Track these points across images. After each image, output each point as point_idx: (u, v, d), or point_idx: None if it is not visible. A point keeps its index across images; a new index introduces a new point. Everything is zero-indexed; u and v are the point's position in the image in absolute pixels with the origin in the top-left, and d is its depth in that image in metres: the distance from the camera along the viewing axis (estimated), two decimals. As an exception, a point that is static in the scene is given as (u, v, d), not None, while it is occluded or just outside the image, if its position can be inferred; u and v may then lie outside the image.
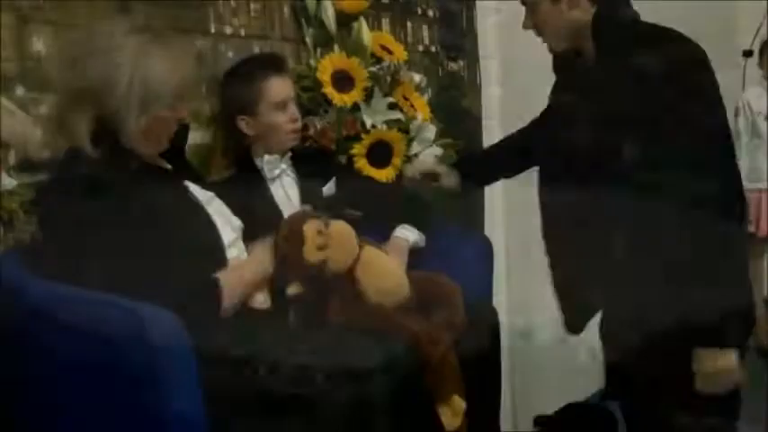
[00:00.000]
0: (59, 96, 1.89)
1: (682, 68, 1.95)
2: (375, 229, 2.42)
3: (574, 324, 2.33)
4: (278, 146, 2.40)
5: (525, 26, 2.20)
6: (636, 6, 2.14)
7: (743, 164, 4.61)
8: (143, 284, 1.70)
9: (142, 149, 1.91)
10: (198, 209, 1.98)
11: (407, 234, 2.40)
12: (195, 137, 2.27)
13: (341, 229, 2.04)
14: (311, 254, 1.97)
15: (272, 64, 2.39)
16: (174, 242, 1.86)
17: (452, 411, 2.00)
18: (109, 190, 1.80)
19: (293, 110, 2.39)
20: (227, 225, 2.03)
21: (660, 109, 1.92)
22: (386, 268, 2.12)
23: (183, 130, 2.06)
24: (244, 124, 2.39)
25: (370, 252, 2.10)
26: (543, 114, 2.35)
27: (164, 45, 1.89)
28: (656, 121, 1.92)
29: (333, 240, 2.00)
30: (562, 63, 2.21)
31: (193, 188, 2.02)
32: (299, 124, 2.40)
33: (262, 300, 1.98)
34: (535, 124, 2.41)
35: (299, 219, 2.04)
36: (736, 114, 4.65)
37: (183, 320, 1.67)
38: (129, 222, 1.80)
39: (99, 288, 1.72)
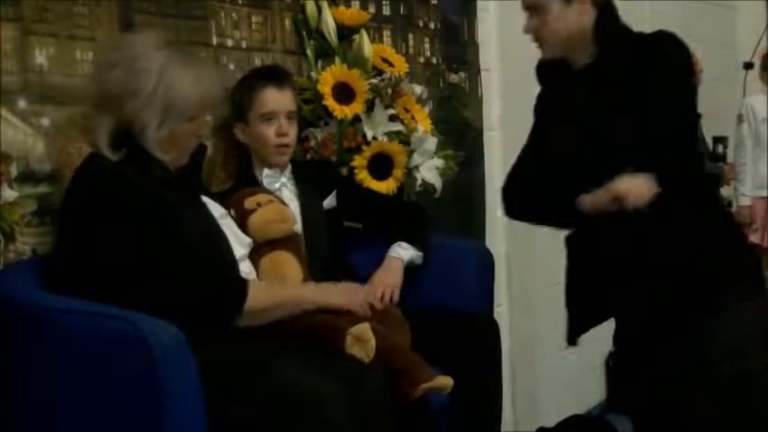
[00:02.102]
0: (86, 101, 1.94)
1: (667, 65, 2.08)
2: (374, 247, 2.43)
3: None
4: (267, 158, 2.41)
5: (526, 30, 2.22)
6: (641, 20, 2.20)
7: (747, 171, 4.60)
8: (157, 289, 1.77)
9: (162, 158, 1.96)
10: (214, 221, 2.01)
11: (402, 253, 2.40)
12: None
13: (281, 208, 2.28)
14: (250, 202, 2.23)
15: (272, 76, 2.40)
16: (193, 247, 1.90)
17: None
18: (128, 189, 1.87)
19: (283, 124, 2.38)
20: (237, 241, 2.07)
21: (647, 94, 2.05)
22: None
23: (201, 150, 2.11)
24: (239, 131, 2.42)
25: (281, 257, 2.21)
26: (544, 134, 2.30)
27: (190, 60, 1.98)
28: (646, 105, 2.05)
29: (268, 207, 2.23)
30: (551, 72, 2.22)
31: (208, 202, 2.06)
32: (286, 140, 2.38)
33: None
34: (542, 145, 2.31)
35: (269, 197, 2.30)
36: (741, 121, 4.63)
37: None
38: (146, 222, 1.85)
39: (106, 294, 1.75)
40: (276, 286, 2.00)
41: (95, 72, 1.95)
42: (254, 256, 2.17)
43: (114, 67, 1.91)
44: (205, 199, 2.07)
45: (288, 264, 2.21)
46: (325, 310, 2.06)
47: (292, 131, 2.41)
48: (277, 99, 2.38)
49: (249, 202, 2.23)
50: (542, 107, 2.30)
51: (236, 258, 2.01)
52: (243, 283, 1.89)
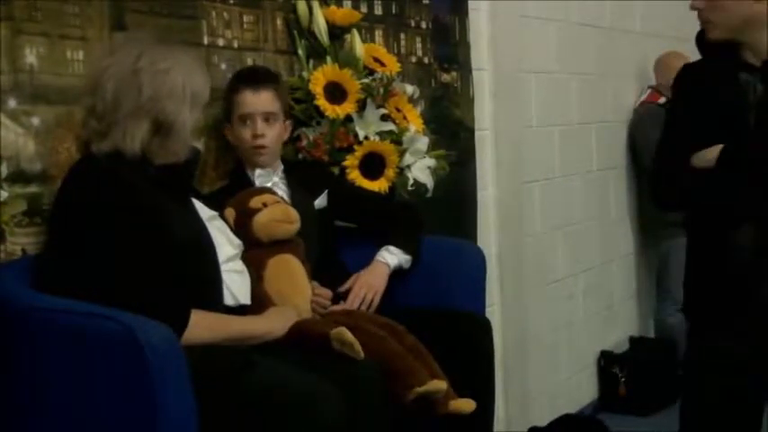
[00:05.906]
0: (118, 108, 1.92)
1: None
2: (366, 247, 2.43)
3: None
4: (247, 159, 2.42)
5: (693, 7, 2.19)
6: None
7: None
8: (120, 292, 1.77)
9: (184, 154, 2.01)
10: (200, 224, 2.01)
11: (389, 258, 2.40)
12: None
13: (287, 209, 2.25)
14: (255, 201, 2.23)
15: (251, 78, 2.42)
16: (172, 251, 1.89)
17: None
18: (125, 188, 1.88)
19: (258, 126, 2.38)
20: (228, 243, 2.06)
21: None
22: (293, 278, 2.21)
23: (196, 153, 2.11)
24: (228, 132, 2.45)
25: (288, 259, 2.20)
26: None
27: (185, 51, 2.03)
28: None
29: (275, 207, 2.22)
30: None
31: (198, 205, 2.06)
32: (260, 141, 2.39)
33: None
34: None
35: (275, 198, 2.28)
36: None
37: None
38: (136, 223, 1.86)
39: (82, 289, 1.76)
40: (220, 320, 1.94)
41: (118, 85, 1.92)
42: (260, 256, 2.16)
43: (138, 73, 1.92)
44: (195, 201, 2.07)
45: (294, 265, 2.21)
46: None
47: (270, 132, 2.40)
48: (252, 101, 2.38)
49: (255, 202, 2.22)
50: (701, 96, 2.22)
51: (220, 261, 1.99)
52: (183, 318, 1.84)
